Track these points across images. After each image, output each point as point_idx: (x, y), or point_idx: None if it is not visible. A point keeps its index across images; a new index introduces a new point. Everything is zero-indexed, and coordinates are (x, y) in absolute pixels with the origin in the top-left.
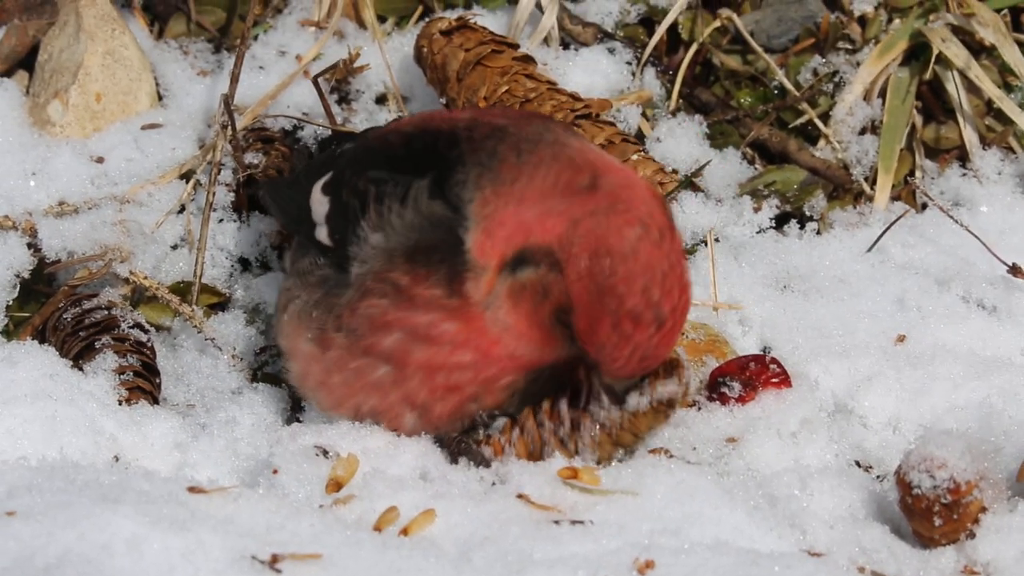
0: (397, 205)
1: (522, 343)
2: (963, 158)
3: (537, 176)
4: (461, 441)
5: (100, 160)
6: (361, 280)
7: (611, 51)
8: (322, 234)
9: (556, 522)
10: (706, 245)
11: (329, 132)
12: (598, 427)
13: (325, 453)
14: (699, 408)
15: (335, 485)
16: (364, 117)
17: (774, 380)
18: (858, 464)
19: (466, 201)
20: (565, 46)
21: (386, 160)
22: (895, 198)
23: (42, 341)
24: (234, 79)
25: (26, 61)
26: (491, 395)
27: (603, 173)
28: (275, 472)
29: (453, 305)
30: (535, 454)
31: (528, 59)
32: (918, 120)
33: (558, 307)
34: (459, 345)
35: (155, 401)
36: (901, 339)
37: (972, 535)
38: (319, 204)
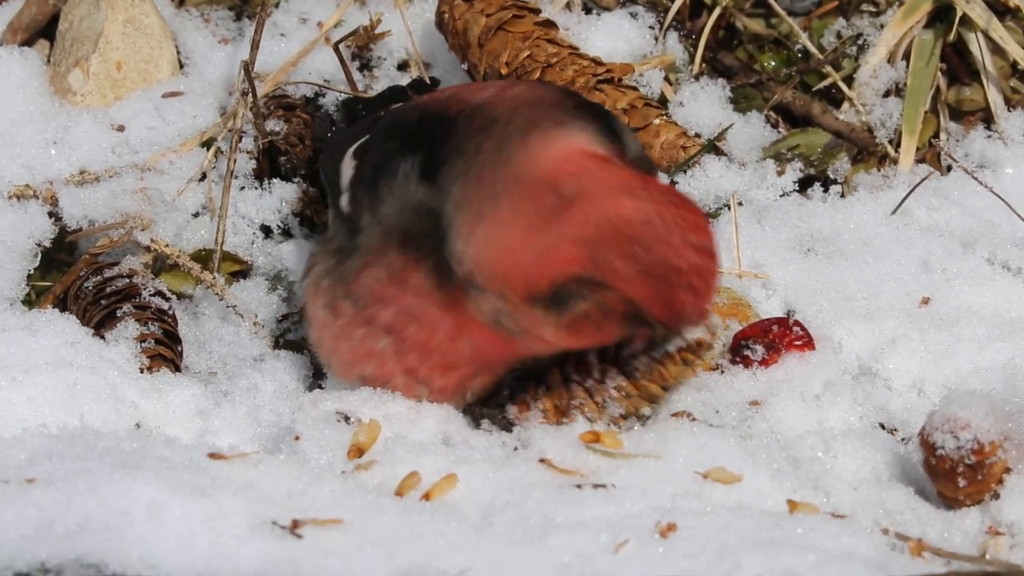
0: (392, 181)
1: (537, 343)
2: (988, 120)
3: (509, 199)
4: (483, 408)
5: (121, 128)
6: (365, 251)
7: (633, 15)
8: (344, 201)
9: (578, 486)
10: (729, 209)
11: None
12: (625, 379)
13: (347, 419)
14: (722, 371)
15: (357, 451)
16: (386, 83)
17: (797, 343)
18: (882, 426)
19: (448, 194)
20: (587, 11)
21: (403, 132)
22: (919, 160)
23: (63, 310)
24: (255, 46)
25: (47, 30)
26: (489, 375)
27: (560, 182)
28: (297, 439)
29: (445, 300)
30: (563, 409)
31: (550, 24)
32: (942, 82)
33: (625, 315)
34: (453, 336)
35: (177, 369)
36: (925, 301)
37: (996, 496)
38: (348, 169)
